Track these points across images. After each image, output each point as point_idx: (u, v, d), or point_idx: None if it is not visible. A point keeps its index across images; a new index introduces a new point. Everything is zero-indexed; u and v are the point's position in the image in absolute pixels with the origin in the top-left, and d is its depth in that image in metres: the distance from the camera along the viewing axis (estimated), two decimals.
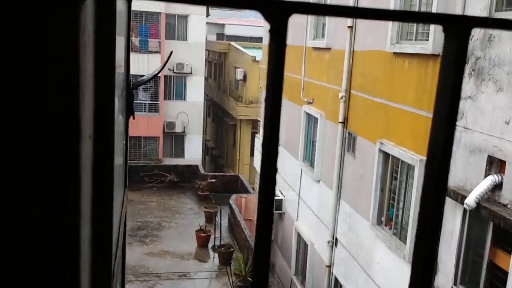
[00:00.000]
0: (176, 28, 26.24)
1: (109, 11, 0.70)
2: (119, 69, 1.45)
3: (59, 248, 0.57)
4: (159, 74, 24.79)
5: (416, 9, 7.91)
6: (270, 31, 0.49)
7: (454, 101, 0.53)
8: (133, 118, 1.72)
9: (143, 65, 24.40)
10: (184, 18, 26.26)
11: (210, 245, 17.37)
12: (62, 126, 0.52)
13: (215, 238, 17.42)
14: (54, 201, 0.54)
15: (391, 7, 8.29)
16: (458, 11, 6.70)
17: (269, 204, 0.50)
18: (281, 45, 0.49)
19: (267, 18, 0.48)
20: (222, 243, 17.15)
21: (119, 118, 1.40)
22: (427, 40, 7.43)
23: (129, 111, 1.63)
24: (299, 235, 13.05)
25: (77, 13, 0.45)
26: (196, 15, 26.21)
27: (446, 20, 0.52)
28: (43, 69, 0.48)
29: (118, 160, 1.45)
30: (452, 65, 0.52)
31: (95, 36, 0.61)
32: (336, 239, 10.80)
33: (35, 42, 0.47)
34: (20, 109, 0.49)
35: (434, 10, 7.16)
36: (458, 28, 0.52)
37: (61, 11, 0.45)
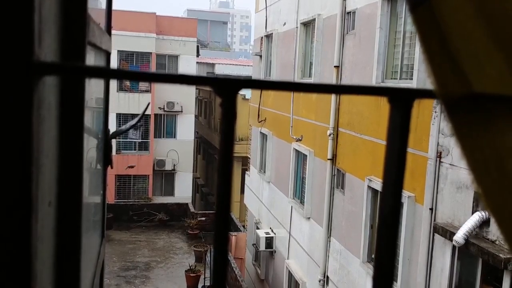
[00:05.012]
0: (166, 68, 26.52)
1: (76, 84, 0.72)
2: (97, 120, 1.47)
3: None
4: (150, 113, 24.92)
5: (400, 50, 8.11)
6: (221, 104, 0.51)
7: (400, 167, 0.55)
8: (111, 168, 1.73)
9: (134, 104, 24.57)
10: (174, 58, 26.58)
11: (200, 286, 17.05)
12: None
13: (205, 278, 17.11)
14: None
15: (376, 48, 8.49)
16: None
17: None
18: (231, 117, 0.51)
19: (217, 93, 0.51)
20: (212, 283, 16.82)
21: (96, 168, 1.41)
22: (411, 79, 7.58)
23: (107, 161, 1.64)
24: (290, 274, 12.87)
25: (30, 89, 0.47)
26: (187, 55, 26.57)
27: (391, 92, 0.55)
28: None
29: (96, 211, 1.45)
30: (398, 134, 0.55)
31: (60, 108, 0.63)
32: (328, 278, 10.67)
33: None
34: None
35: (417, 50, 7.34)
36: (402, 99, 0.55)
37: (10, 88, 0.46)
